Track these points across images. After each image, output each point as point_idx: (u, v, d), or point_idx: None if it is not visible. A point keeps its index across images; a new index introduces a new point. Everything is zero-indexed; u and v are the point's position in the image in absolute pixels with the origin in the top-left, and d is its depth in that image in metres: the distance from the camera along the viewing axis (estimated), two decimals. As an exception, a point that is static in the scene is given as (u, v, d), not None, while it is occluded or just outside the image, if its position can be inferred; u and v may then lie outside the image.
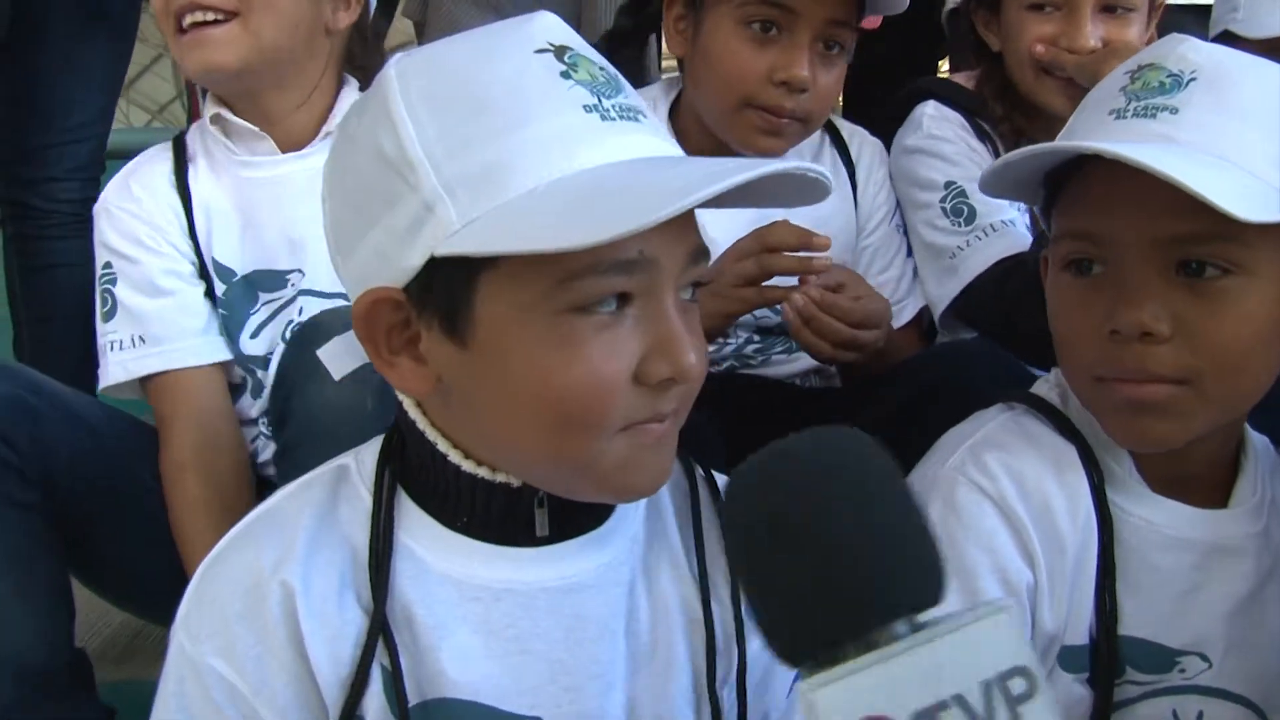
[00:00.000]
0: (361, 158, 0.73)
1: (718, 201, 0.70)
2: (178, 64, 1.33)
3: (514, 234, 0.67)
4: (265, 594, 0.75)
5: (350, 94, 1.39)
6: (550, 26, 0.74)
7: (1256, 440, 0.99)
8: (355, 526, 0.78)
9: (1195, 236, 0.83)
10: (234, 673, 0.75)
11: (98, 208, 1.38)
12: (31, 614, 1.15)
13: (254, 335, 1.36)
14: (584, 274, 0.68)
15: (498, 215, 0.68)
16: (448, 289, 0.71)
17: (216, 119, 1.36)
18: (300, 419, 1.10)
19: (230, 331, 1.36)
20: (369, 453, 0.81)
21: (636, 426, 0.72)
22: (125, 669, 1.46)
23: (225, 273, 1.35)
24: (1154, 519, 0.93)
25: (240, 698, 0.75)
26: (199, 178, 1.37)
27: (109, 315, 1.35)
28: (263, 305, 1.35)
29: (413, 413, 0.79)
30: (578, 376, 0.70)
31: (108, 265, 1.36)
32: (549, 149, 0.68)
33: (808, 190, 0.75)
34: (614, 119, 0.70)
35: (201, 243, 1.35)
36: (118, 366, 1.34)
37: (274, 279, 1.35)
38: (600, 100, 0.70)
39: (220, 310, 1.36)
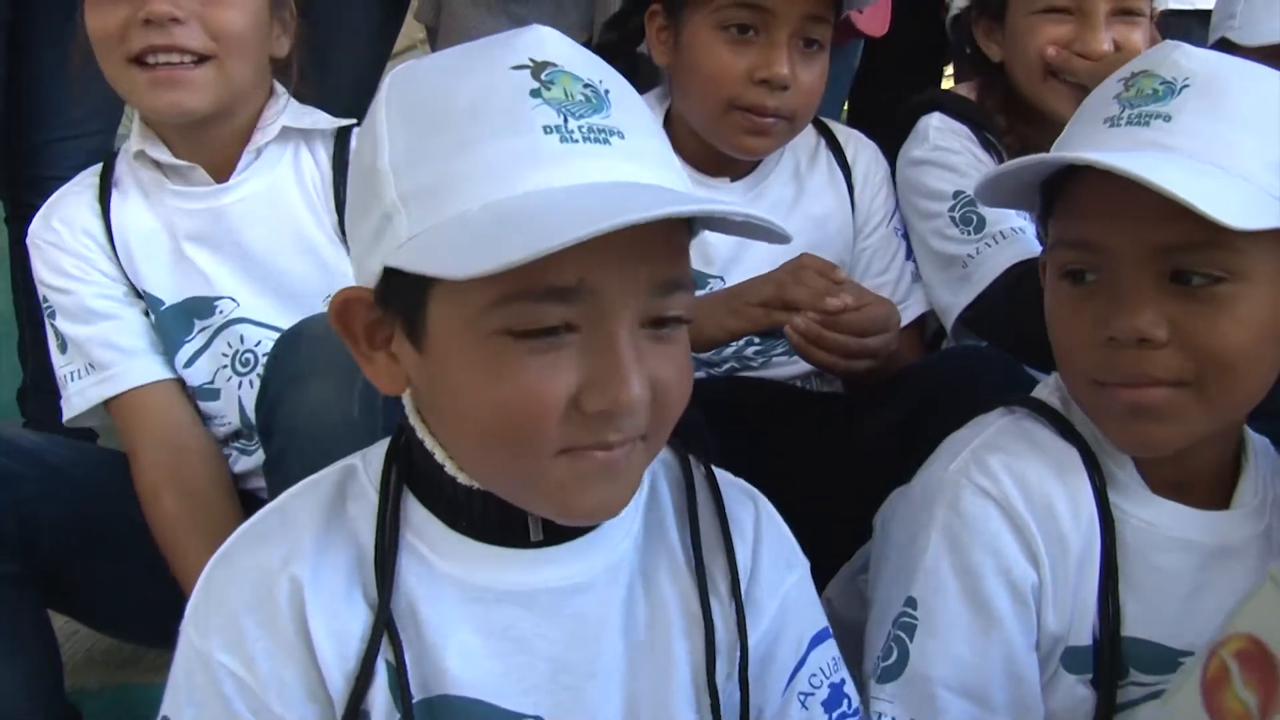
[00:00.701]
0: (355, 165, 0.76)
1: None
2: (129, 98, 1.28)
3: (432, 255, 0.67)
4: (274, 588, 0.76)
5: (274, 106, 1.36)
6: (541, 40, 0.72)
7: (1257, 441, 1.00)
8: (362, 524, 0.80)
9: (1188, 244, 0.83)
10: (242, 666, 0.76)
11: (28, 240, 1.36)
12: (20, 677, 1.16)
13: (188, 364, 1.34)
14: (517, 298, 0.67)
15: (433, 233, 0.68)
16: (404, 295, 0.72)
17: (141, 155, 1.33)
18: (284, 430, 1.09)
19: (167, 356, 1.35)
20: (376, 453, 0.83)
21: (579, 451, 0.71)
22: (129, 673, 1.47)
23: (153, 301, 1.34)
24: (1156, 521, 0.94)
25: (248, 691, 0.76)
26: (128, 206, 1.34)
27: (62, 348, 1.34)
28: (197, 333, 1.34)
29: (413, 419, 0.80)
30: (507, 397, 0.69)
31: (45, 300, 1.35)
32: (492, 171, 0.67)
33: (768, 229, 0.73)
34: (576, 141, 0.68)
35: (128, 272, 1.34)
36: (77, 397, 1.33)
37: (206, 306, 1.34)
38: (566, 120, 0.68)
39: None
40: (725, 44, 1.34)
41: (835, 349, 1.23)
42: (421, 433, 0.79)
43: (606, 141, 0.70)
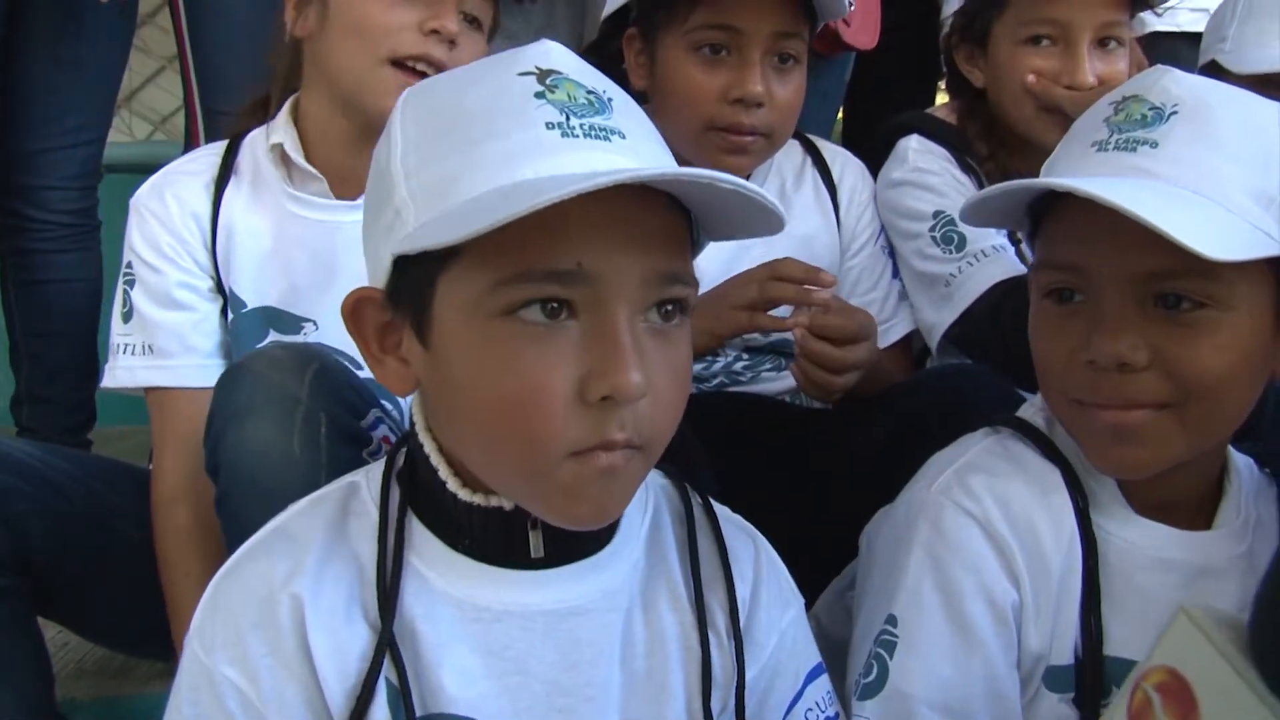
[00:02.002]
0: (372, 169, 0.79)
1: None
2: (362, 90, 1.25)
3: (429, 234, 0.69)
4: (276, 605, 0.77)
5: None
6: (547, 52, 0.75)
7: (1240, 462, 1.00)
8: (363, 543, 0.80)
9: (1171, 271, 0.84)
10: (246, 682, 0.76)
11: (133, 201, 1.33)
12: (12, 690, 1.16)
13: None
14: (515, 280, 0.69)
15: (435, 220, 0.70)
16: (413, 289, 0.74)
17: (277, 149, 1.32)
18: (227, 469, 1.07)
19: (232, 359, 1.33)
20: (379, 471, 0.83)
21: (584, 455, 0.71)
22: (121, 684, 1.45)
23: (235, 302, 1.32)
24: (1138, 541, 0.94)
25: (251, 707, 0.76)
26: (240, 197, 1.32)
27: (127, 317, 1.32)
28: (269, 342, 1.30)
29: (422, 435, 0.80)
30: (511, 387, 0.70)
31: (129, 265, 1.32)
32: (497, 162, 0.70)
33: (761, 217, 0.76)
34: (577, 136, 0.71)
35: (220, 264, 1.32)
36: (124, 371, 1.31)
37: (289, 322, 1.32)
38: (568, 119, 0.71)
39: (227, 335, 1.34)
40: (698, 65, 1.35)
41: (825, 361, 1.22)
42: (429, 448, 0.79)
43: (608, 139, 0.72)
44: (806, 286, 1.22)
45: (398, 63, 1.23)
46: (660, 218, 0.73)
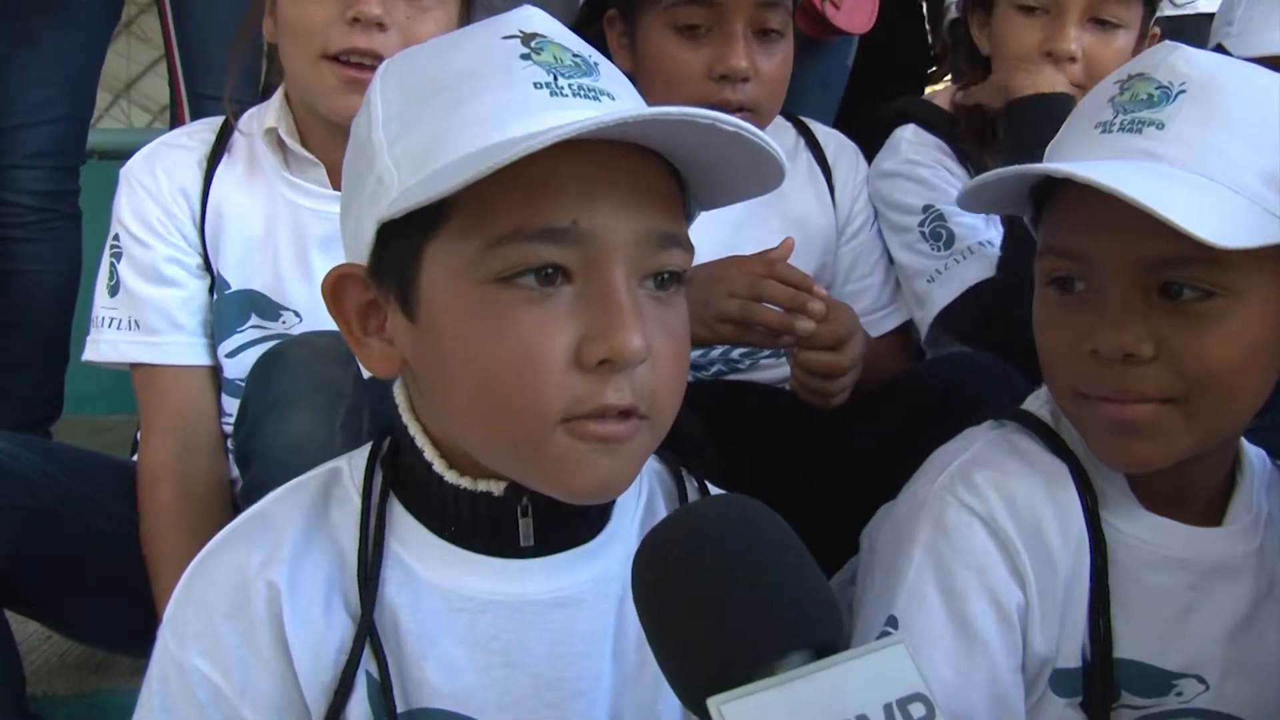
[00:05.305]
0: (352, 143, 0.77)
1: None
2: (311, 92, 1.25)
3: (413, 195, 0.67)
4: (251, 594, 0.75)
5: None
6: (529, 17, 0.74)
7: (1253, 455, 0.98)
8: (345, 530, 0.78)
9: (1177, 259, 0.81)
10: (218, 673, 0.74)
11: (123, 171, 1.32)
12: None
13: (232, 354, 1.30)
14: (508, 240, 0.67)
15: (423, 182, 0.68)
16: (398, 260, 0.72)
17: (271, 133, 1.31)
18: (261, 459, 1.05)
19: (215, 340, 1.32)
20: (361, 457, 0.81)
21: (579, 421, 0.69)
22: (101, 679, 1.46)
23: (220, 283, 1.31)
24: (1148, 538, 0.91)
25: (223, 698, 0.74)
26: (232, 177, 1.31)
27: (113, 290, 1.31)
28: (250, 327, 1.31)
29: (406, 417, 0.79)
30: (505, 353, 0.68)
31: (116, 238, 1.31)
32: (484, 121, 0.68)
33: (760, 173, 0.74)
34: (565, 95, 0.69)
35: (208, 243, 1.31)
36: (108, 345, 1.31)
37: (270, 308, 1.31)
38: (556, 79, 0.70)
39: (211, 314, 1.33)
40: (680, 43, 1.33)
41: (822, 370, 1.20)
42: (414, 430, 0.78)
43: (597, 99, 0.71)
44: (799, 294, 1.18)
45: (332, 58, 1.22)
46: (655, 178, 0.72)
